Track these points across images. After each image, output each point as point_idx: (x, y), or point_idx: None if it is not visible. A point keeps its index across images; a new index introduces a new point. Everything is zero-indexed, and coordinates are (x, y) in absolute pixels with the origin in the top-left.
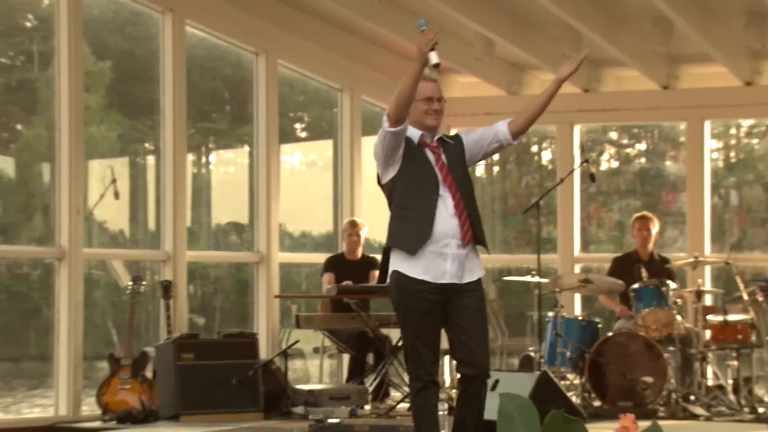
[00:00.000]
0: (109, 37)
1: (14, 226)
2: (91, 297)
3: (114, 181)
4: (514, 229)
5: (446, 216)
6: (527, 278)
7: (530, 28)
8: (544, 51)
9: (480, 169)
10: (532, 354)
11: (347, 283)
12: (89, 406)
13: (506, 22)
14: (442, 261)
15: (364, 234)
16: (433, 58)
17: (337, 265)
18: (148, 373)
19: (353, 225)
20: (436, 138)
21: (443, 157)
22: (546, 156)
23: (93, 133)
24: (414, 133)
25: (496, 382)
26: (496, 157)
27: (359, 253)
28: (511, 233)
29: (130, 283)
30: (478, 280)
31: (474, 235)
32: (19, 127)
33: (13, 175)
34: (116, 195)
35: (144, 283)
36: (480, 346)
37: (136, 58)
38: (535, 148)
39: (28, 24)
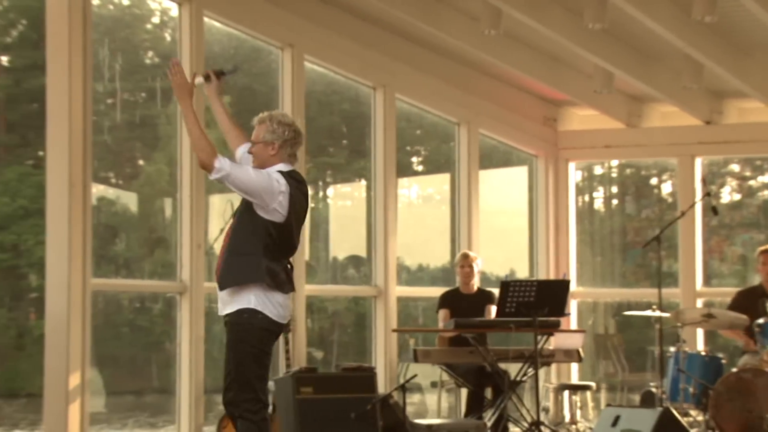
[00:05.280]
0: None
1: (136, 260)
2: (211, 331)
3: (234, 215)
4: (633, 262)
5: None
6: (648, 312)
7: (650, 60)
8: (664, 83)
9: (598, 203)
10: (653, 389)
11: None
12: None
13: (626, 55)
14: None
15: (477, 267)
16: (198, 80)
17: (453, 300)
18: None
19: (465, 257)
20: None
21: None
22: (666, 188)
23: None
24: None
25: (617, 417)
26: (614, 189)
27: (474, 286)
28: (630, 267)
29: None
30: (229, 314)
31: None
32: (141, 162)
33: (136, 210)
34: None
35: None
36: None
37: (256, 94)
38: (654, 181)
39: (150, 61)
